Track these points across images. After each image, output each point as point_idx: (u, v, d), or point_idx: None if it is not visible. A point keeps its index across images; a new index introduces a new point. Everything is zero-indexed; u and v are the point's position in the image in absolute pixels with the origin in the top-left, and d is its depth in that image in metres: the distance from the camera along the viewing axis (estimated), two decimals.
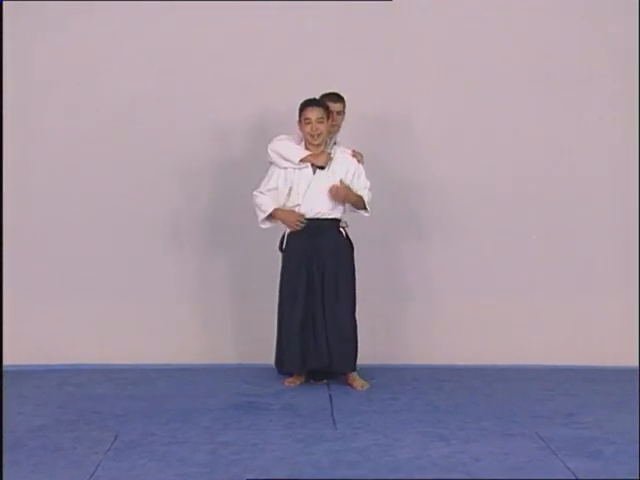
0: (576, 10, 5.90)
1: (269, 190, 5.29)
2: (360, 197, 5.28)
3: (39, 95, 5.85)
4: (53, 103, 5.85)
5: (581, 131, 5.95)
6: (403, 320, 5.98)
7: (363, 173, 5.32)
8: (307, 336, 5.25)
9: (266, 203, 5.29)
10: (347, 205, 5.31)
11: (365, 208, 5.32)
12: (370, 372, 5.48)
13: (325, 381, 5.39)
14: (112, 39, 5.86)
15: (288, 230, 5.32)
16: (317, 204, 5.26)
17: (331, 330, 5.24)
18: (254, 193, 5.30)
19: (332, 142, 5.40)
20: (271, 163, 5.33)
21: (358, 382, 5.31)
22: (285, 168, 5.28)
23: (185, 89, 5.86)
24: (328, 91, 5.40)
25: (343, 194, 5.25)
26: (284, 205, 5.28)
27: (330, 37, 5.86)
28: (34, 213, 5.88)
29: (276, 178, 5.30)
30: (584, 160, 5.95)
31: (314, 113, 5.22)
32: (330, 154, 5.31)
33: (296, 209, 5.27)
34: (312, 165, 5.28)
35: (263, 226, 5.35)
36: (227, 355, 5.90)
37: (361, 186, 5.30)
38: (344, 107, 5.44)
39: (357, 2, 5.80)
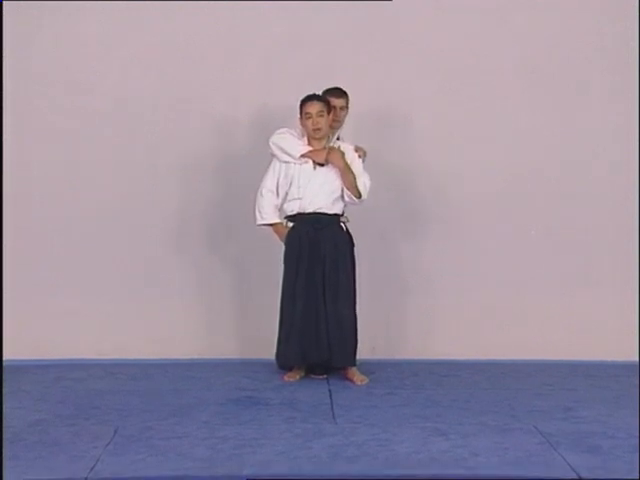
0: (576, 10, 5.89)
1: (271, 191, 5.31)
2: (353, 174, 5.23)
3: (39, 94, 5.83)
4: (53, 102, 5.83)
5: (580, 128, 5.94)
6: (402, 315, 5.98)
7: (360, 165, 5.31)
8: (308, 330, 5.25)
9: (267, 212, 5.32)
10: (346, 196, 5.30)
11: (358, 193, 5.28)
12: (369, 367, 5.49)
13: (325, 376, 5.39)
14: (112, 37, 5.84)
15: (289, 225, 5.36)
16: (317, 199, 5.28)
17: (331, 324, 5.25)
18: (259, 193, 5.32)
19: (335, 138, 5.40)
20: (273, 156, 5.33)
21: (357, 377, 5.32)
22: (286, 162, 5.29)
23: (186, 85, 5.84)
24: (331, 86, 5.40)
25: (338, 155, 5.23)
26: (285, 198, 5.31)
27: (332, 33, 5.84)
28: (34, 209, 5.87)
29: (277, 172, 5.32)
30: (583, 156, 5.95)
31: (314, 107, 5.22)
32: None
33: (297, 203, 5.28)
34: (313, 161, 5.29)
35: (258, 225, 5.39)
36: (226, 350, 5.90)
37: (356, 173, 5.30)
38: (347, 102, 5.43)
39: (358, 1, 5.80)
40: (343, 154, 5.29)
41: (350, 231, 5.38)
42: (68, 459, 3.94)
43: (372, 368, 5.50)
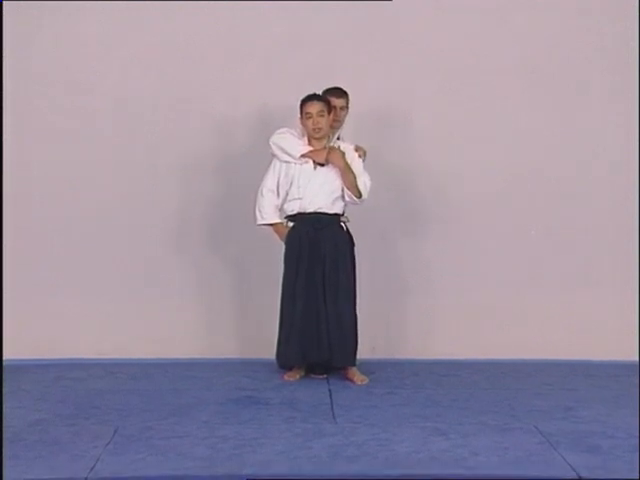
0: (576, 10, 5.88)
1: (271, 191, 5.32)
2: (353, 174, 5.24)
3: (39, 94, 5.83)
4: (53, 102, 5.83)
5: (580, 128, 5.94)
6: (402, 315, 5.98)
7: (361, 164, 5.31)
8: (308, 330, 5.25)
9: (267, 212, 5.33)
10: (346, 196, 5.30)
11: (359, 193, 5.29)
12: (369, 366, 5.49)
13: (325, 376, 5.39)
14: (112, 37, 5.84)
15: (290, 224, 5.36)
16: (318, 199, 5.28)
17: (331, 324, 5.25)
18: (260, 193, 5.32)
19: (335, 137, 5.40)
20: (273, 156, 5.34)
21: (358, 377, 5.32)
22: (287, 162, 5.30)
23: (186, 85, 5.84)
24: (331, 86, 5.40)
25: (338, 155, 5.24)
26: (285, 198, 5.32)
27: (332, 33, 5.84)
28: (34, 209, 5.87)
29: (278, 172, 5.32)
30: (583, 156, 5.95)
31: (314, 107, 5.23)
32: None
33: (297, 203, 5.29)
34: (313, 161, 5.29)
35: (259, 224, 5.39)
36: (226, 350, 5.89)
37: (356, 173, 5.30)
38: (347, 102, 5.43)
39: (358, 1, 5.80)
40: (343, 154, 5.29)
41: (350, 231, 5.38)
42: (68, 458, 3.94)
43: (372, 368, 5.50)
